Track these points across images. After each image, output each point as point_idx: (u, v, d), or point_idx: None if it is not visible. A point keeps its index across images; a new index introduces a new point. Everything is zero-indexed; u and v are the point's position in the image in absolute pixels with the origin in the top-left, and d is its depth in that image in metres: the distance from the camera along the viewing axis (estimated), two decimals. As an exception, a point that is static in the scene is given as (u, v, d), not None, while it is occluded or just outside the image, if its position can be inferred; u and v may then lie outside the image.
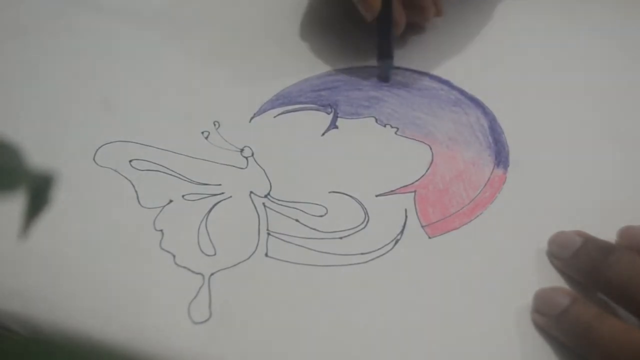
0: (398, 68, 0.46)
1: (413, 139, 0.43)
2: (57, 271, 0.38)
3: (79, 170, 0.41)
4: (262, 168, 0.42)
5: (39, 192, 0.20)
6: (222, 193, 0.41)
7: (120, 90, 0.45)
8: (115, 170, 0.42)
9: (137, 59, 0.47)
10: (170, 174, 0.42)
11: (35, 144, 0.40)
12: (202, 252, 0.38)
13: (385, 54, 0.46)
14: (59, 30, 0.50)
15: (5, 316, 0.36)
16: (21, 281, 0.37)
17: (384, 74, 0.46)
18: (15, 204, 0.20)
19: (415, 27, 0.48)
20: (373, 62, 0.46)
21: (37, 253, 0.38)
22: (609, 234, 0.37)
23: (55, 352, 0.18)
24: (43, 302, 0.36)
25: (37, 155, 0.21)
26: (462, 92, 0.45)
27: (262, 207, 0.40)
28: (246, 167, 0.42)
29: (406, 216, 0.40)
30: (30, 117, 0.45)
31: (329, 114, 0.45)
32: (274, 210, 0.40)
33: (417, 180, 0.41)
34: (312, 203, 0.40)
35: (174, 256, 0.38)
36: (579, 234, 0.37)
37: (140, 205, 0.40)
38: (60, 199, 0.35)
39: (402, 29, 0.46)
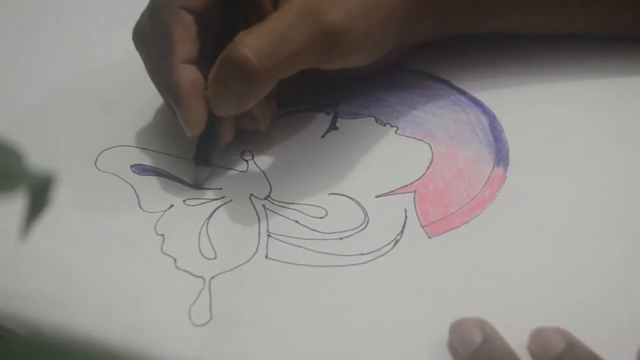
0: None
1: (413, 137, 0.43)
2: (57, 273, 0.38)
3: (80, 176, 0.42)
4: (262, 171, 0.42)
5: (38, 193, 0.20)
6: (223, 197, 0.41)
7: (121, 94, 0.45)
8: (117, 175, 0.42)
9: (138, 62, 0.47)
10: (172, 179, 0.42)
11: (36, 150, 0.40)
12: (203, 255, 0.38)
13: (202, 161, 0.41)
14: (59, 31, 0.50)
15: (5, 317, 0.36)
16: (21, 282, 0.37)
17: (197, 180, 0.41)
18: (15, 205, 0.20)
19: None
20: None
21: (37, 255, 0.38)
22: (609, 233, 0.37)
23: (55, 353, 0.18)
24: (43, 303, 0.37)
25: (38, 161, 0.21)
26: (461, 91, 0.45)
27: (262, 209, 0.40)
28: (246, 170, 0.42)
29: (406, 216, 0.40)
30: (31, 122, 0.45)
31: (328, 114, 0.45)
32: (274, 212, 0.40)
33: (417, 180, 0.41)
34: (311, 205, 0.40)
35: (175, 260, 0.38)
36: (563, 334, 0.33)
37: (142, 209, 0.40)
38: (62, 204, 0.35)
39: (228, 140, 0.42)
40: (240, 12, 0.41)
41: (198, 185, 0.41)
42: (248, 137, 0.43)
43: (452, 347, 0.34)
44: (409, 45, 0.44)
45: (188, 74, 0.39)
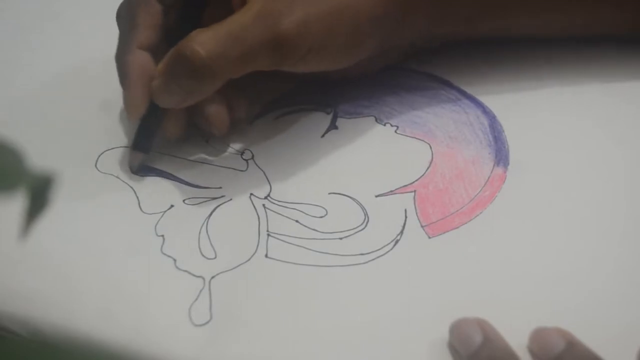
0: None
1: (413, 137, 0.43)
2: (58, 274, 0.38)
3: (80, 177, 0.42)
4: (262, 170, 0.42)
5: (38, 193, 0.20)
6: (223, 196, 0.41)
7: (121, 95, 0.45)
8: (117, 177, 0.42)
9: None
10: (171, 179, 0.42)
11: (36, 151, 0.40)
12: (203, 255, 0.38)
13: (139, 147, 0.42)
14: (59, 31, 0.50)
15: (5, 317, 0.36)
16: (21, 282, 0.37)
17: (130, 165, 0.42)
18: (15, 205, 0.20)
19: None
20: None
21: (37, 255, 0.38)
22: (609, 233, 0.37)
23: (55, 354, 0.18)
24: (43, 303, 0.37)
25: (38, 162, 0.21)
26: (462, 91, 0.45)
27: (262, 208, 0.40)
28: (246, 170, 0.42)
29: (406, 216, 0.40)
30: (32, 123, 0.45)
31: (328, 114, 0.45)
32: (274, 212, 0.40)
33: (416, 180, 0.41)
34: (312, 204, 0.40)
35: (175, 260, 0.38)
36: (563, 334, 0.33)
37: (142, 210, 0.40)
38: (63, 205, 0.35)
39: (175, 134, 0.42)
40: (203, 8, 0.41)
41: (132, 169, 0.42)
42: (247, 137, 0.43)
43: (452, 347, 0.34)
44: (406, 45, 0.44)
45: (139, 59, 0.40)
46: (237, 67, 0.38)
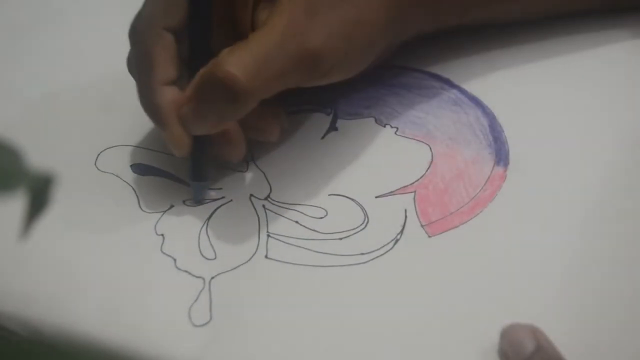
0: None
1: (413, 138, 0.43)
2: (57, 274, 0.38)
3: (80, 176, 0.42)
4: (262, 171, 0.42)
5: (38, 192, 0.20)
6: (223, 197, 0.41)
7: (122, 94, 0.45)
8: (117, 176, 0.42)
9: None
10: (172, 179, 0.42)
11: (36, 150, 0.40)
12: (203, 256, 0.39)
13: (197, 177, 0.40)
14: (59, 31, 0.50)
15: (5, 317, 0.36)
16: (21, 282, 0.38)
17: (196, 196, 0.41)
18: (15, 205, 0.20)
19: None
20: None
21: (37, 255, 0.38)
22: (610, 232, 0.38)
23: (55, 354, 0.18)
24: (43, 303, 0.37)
25: (38, 161, 0.21)
26: (462, 90, 0.45)
27: (262, 209, 0.40)
28: (246, 171, 0.42)
29: (406, 216, 0.40)
30: (31, 122, 0.45)
31: (328, 115, 0.45)
32: (274, 213, 0.40)
33: (416, 181, 0.41)
34: (311, 205, 0.40)
35: (174, 260, 0.38)
36: (535, 335, 0.34)
37: (142, 210, 0.40)
38: (62, 204, 0.35)
39: (240, 157, 0.41)
40: (211, 29, 0.40)
41: (197, 201, 0.41)
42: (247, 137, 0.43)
43: (503, 352, 0.34)
44: (406, 38, 0.44)
45: (168, 96, 0.38)
46: (271, 87, 0.37)
